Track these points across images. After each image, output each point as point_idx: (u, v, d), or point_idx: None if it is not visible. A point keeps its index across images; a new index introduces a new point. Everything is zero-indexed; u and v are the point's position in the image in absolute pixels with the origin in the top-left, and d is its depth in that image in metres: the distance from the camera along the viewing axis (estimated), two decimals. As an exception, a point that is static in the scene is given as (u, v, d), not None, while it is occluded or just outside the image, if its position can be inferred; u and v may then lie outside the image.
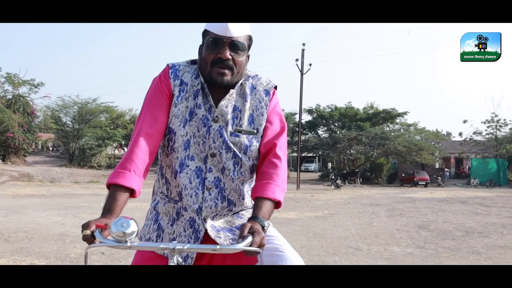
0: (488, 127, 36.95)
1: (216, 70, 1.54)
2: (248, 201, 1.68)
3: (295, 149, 30.14)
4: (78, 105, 39.89)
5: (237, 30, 1.54)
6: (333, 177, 28.20)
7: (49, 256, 5.42)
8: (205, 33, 1.59)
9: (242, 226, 1.37)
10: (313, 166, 48.51)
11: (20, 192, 16.42)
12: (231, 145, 1.58)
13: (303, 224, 8.93)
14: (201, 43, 1.62)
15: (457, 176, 44.20)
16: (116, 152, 46.87)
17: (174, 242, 1.35)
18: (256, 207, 1.49)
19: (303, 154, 39.59)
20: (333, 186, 25.27)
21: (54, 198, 14.52)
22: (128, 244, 1.28)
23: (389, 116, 36.57)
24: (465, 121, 36.45)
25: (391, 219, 10.09)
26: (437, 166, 39.75)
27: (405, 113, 38.24)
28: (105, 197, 1.44)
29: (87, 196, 15.42)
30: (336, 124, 36.65)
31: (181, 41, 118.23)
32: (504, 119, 36.55)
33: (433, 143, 42.64)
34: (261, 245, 1.33)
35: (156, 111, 1.57)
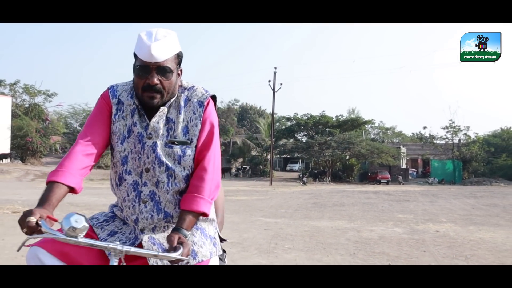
0: (447, 132, 42.72)
1: (146, 94, 1.61)
2: None
3: (276, 152, 37.33)
4: (86, 112, 44.88)
5: (162, 53, 1.58)
6: (300, 175, 34.29)
7: (92, 208, 10.95)
8: (135, 55, 1.62)
9: (170, 237, 1.49)
10: (297, 166, 54.10)
11: (52, 186, 21.87)
12: (164, 159, 1.66)
13: (246, 203, 14.39)
14: (134, 62, 1.64)
15: (423, 175, 49.53)
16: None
17: (118, 243, 1.42)
18: (180, 219, 1.61)
19: (283, 156, 46.23)
20: (300, 183, 31.09)
21: (81, 189, 20.03)
22: (79, 240, 1.31)
23: (357, 123, 42.30)
24: (425, 127, 41.82)
25: (305, 200, 15.54)
26: (403, 166, 45.46)
27: (370, 120, 44.31)
28: (43, 190, 1.52)
29: (105, 188, 20.82)
30: (313, 130, 42.27)
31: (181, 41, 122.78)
32: (459, 125, 42.24)
33: (402, 146, 48.47)
34: (187, 255, 1.49)
35: (95, 124, 1.70)
